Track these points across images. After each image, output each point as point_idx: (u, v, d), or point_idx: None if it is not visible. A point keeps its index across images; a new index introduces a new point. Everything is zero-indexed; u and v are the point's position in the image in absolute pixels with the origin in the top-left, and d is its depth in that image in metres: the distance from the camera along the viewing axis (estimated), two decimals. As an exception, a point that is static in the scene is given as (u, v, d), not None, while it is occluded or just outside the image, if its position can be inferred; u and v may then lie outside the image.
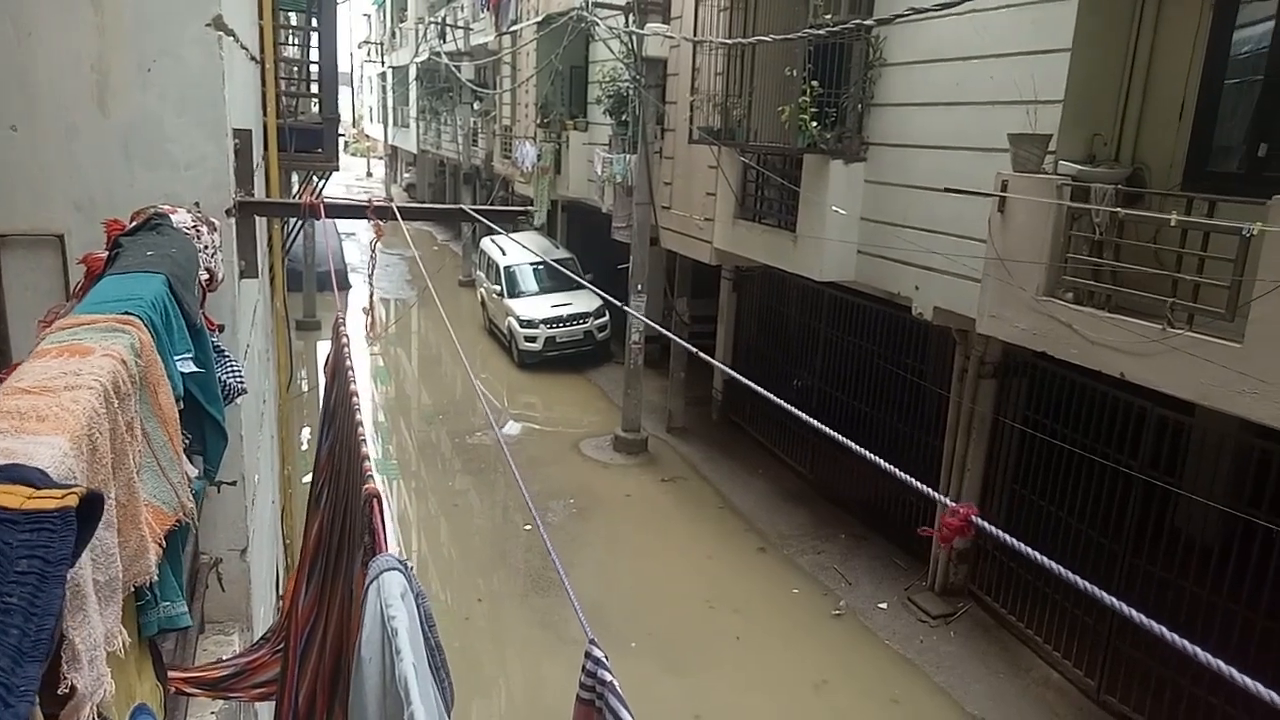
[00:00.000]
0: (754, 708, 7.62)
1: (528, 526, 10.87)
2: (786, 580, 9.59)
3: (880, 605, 8.98)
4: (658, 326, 3.48)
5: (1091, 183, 6.24)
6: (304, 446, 12.63)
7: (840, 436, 2.02)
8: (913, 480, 1.66)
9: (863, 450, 1.82)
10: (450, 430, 14.29)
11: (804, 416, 2.17)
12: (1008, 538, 1.45)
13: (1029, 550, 1.43)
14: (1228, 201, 5.68)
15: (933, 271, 8.09)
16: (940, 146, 8.01)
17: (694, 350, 2.93)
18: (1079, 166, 6.53)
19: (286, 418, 6.92)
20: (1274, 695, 1.02)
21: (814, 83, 8.74)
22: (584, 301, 16.72)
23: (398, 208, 3.81)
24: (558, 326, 16.78)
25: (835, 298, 10.91)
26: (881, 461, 1.69)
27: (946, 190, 7.41)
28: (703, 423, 13.90)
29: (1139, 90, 6.85)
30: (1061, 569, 1.37)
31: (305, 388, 15.11)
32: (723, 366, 2.63)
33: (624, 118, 13.86)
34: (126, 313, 1.43)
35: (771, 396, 2.46)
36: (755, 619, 8.90)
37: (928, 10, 5.71)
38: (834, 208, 8.85)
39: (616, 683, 1.30)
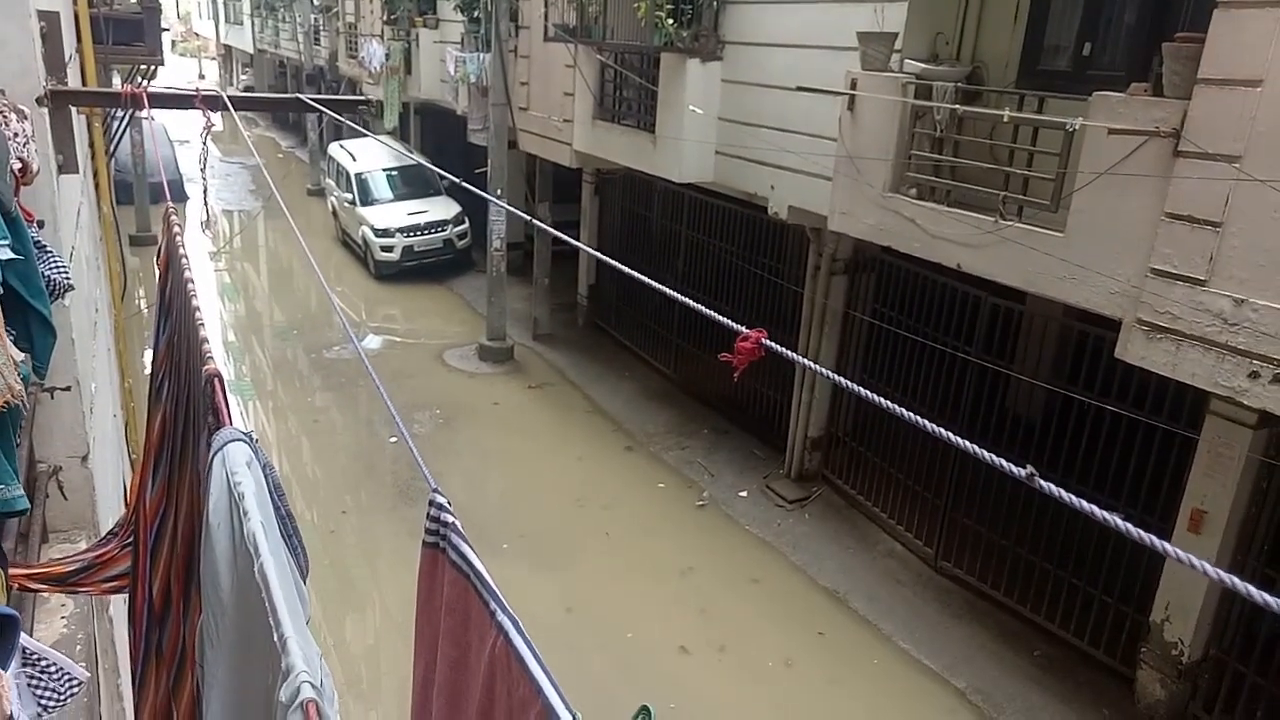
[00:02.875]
0: (622, 596, 7.95)
1: (393, 439, 10.73)
2: (653, 476, 9.91)
3: (741, 494, 9.43)
4: (525, 215, 3.44)
5: (934, 81, 6.49)
6: (146, 369, 11.95)
7: (688, 300, 2.09)
8: (717, 315, 1.77)
9: (691, 301, 1.90)
10: (306, 346, 13.79)
11: (667, 290, 2.24)
12: (795, 355, 1.58)
13: (815, 367, 1.56)
14: (1056, 98, 6.03)
15: (787, 171, 8.27)
16: (794, 45, 8.10)
17: (565, 238, 2.92)
18: (923, 65, 6.76)
19: (123, 330, 6.51)
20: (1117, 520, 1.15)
21: (669, -22, 8.62)
22: (442, 208, 16.25)
23: (229, 97, 3.56)
24: (415, 235, 16.27)
25: (695, 199, 11.02)
26: (685, 299, 1.77)
27: (799, 89, 7.54)
28: (569, 329, 13.93)
29: (979, -9, 7.10)
30: (895, 407, 1.49)
31: (144, 307, 14.17)
32: (598, 254, 2.65)
33: (476, 14, 13.30)
34: (-74, 188, 1.31)
35: (650, 281, 2.51)
36: (623, 514, 9.20)
37: (780, -97, 5.69)
38: (691, 107, 8.87)
39: (459, 523, 1.35)
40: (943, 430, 1.34)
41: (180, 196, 19.79)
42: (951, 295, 7.56)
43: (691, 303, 1.86)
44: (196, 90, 3.27)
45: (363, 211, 16.75)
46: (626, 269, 2.36)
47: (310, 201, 22.44)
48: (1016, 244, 5.88)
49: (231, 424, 1.36)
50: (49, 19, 2.70)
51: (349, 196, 17.31)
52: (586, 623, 7.59)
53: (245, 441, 1.29)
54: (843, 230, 7.51)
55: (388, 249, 16.22)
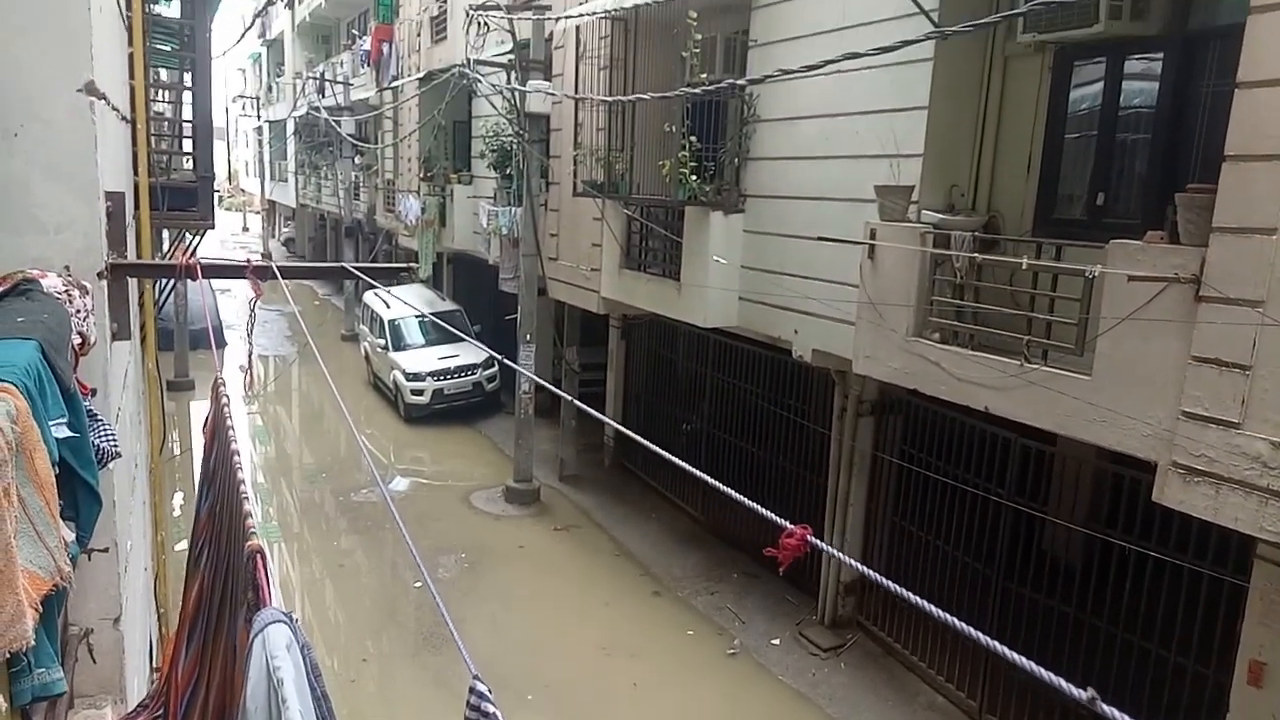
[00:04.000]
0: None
1: (418, 584, 10.59)
2: (682, 622, 9.64)
3: (773, 641, 9.13)
4: (539, 379, 3.53)
5: (951, 230, 6.68)
6: (176, 512, 12.03)
7: (710, 478, 2.12)
8: (760, 508, 1.79)
9: (718, 483, 1.92)
10: (334, 489, 13.84)
11: (684, 464, 2.26)
12: (835, 552, 1.59)
13: (859, 566, 1.57)
14: (1073, 245, 6.18)
15: (810, 316, 8.43)
16: (813, 197, 8.41)
17: (578, 403, 2.98)
18: (940, 215, 6.98)
19: (160, 482, 6.60)
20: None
21: (692, 138, 9.07)
22: (472, 352, 16.57)
23: (278, 267, 3.74)
24: (445, 379, 16.56)
25: (720, 343, 11.19)
26: (731, 490, 1.79)
27: (820, 239, 7.77)
28: (595, 469, 13.91)
29: (991, 144, 7.39)
30: (914, 596, 1.48)
31: (178, 450, 14.37)
32: (605, 418, 2.71)
33: (508, 171, 13.97)
34: (0, 380, 1.39)
35: (654, 447, 2.55)
36: (652, 663, 8.91)
37: (795, 71, 6.04)
38: (715, 257, 9.14)
39: (500, 715, 1.33)
40: (975, 631, 1.32)
41: (220, 342, 20.40)
42: (981, 437, 7.51)
43: (726, 488, 1.88)
44: (248, 261, 3.46)
45: (395, 356, 17.13)
46: (642, 440, 2.39)
47: (344, 346, 23.01)
48: (1043, 387, 5.89)
49: (272, 602, 1.37)
50: (114, 198, 2.90)
51: (382, 341, 17.75)
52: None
53: (286, 623, 1.31)
54: (867, 373, 7.57)
55: (418, 392, 16.48)
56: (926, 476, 8.08)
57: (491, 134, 14.40)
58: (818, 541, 1.53)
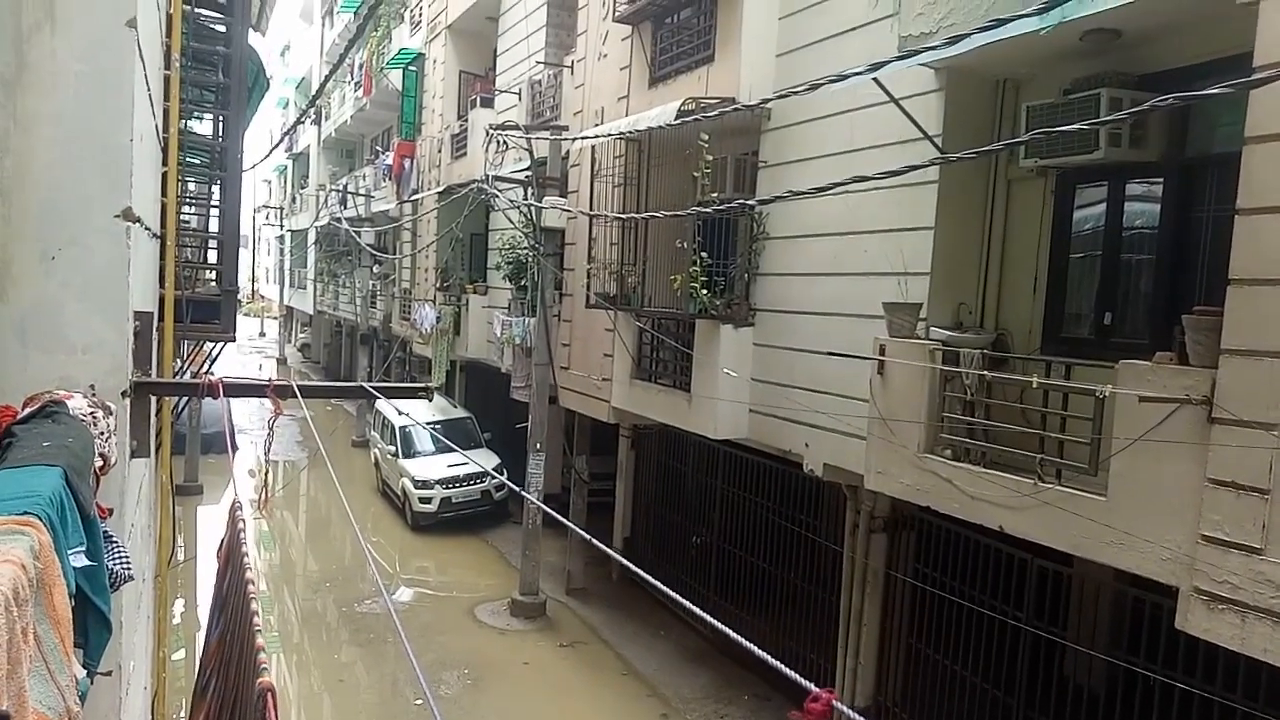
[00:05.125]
0: None
1: (419, 701, 10.27)
2: (692, 749, 9.28)
3: (787, 771, 8.75)
4: (536, 500, 3.51)
5: (960, 347, 6.73)
6: (176, 620, 11.81)
7: (719, 623, 2.10)
8: (782, 665, 1.77)
9: (727, 629, 1.90)
10: (338, 598, 13.59)
11: (678, 596, 2.24)
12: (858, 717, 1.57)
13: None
14: (1082, 364, 6.21)
15: (821, 430, 8.42)
16: (822, 313, 8.52)
17: (571, 524, 2.98)
18: (948, 332, 7.05)
19: (165, 596, 6.51)
20: None
21: (703, 254, 9.28)
22: (482, 460, 16.53)
23: (298, 386, 3.80)
24: (454, 486, 16.47)
25: (731, 455, 11.14)
26: (741, 638, 1.77)
27: (829, 354, 7.84)
28: (603, 583, 13.65)
29: (997, 263, 7.53)
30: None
31: (182, 557, 14.21)
32: (603, 545, 2.70)
33: (523, 282, 14.25)
34: (26, 512, 1.40)
35: (649, 577, 2.54)
36: (661, 794, 8.53)
37: (803, 192, 6.22)
38: (725, 370, 9.21)
39: None
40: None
41: (232, 446, 20.42)
42: (996, 556, 7.37)
43: (734, 634, 1.87)
44: (269, 381, 3.51)
45: (404, 463, 17.10)
46: (635, 568, 2.38)
47: (354, 453, 23.01)
48: (1058, 508, 5.82)
49: None
50: (143, 318, 2.97)
51: (392, 449, 17.75)
52: None
53: None
54: (879, 489, 7.50)
55: (426, 500, 16.38)
56: (942, 597, 7.90)
57: (507, 246, 14.75)
58: (844, 708, 1.52)
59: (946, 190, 7.31)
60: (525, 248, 13.62)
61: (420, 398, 4.28)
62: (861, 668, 8.75)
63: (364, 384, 4.22)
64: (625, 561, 2.97)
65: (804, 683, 1.64)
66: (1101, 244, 6.83)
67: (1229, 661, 5.58)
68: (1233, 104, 5.06)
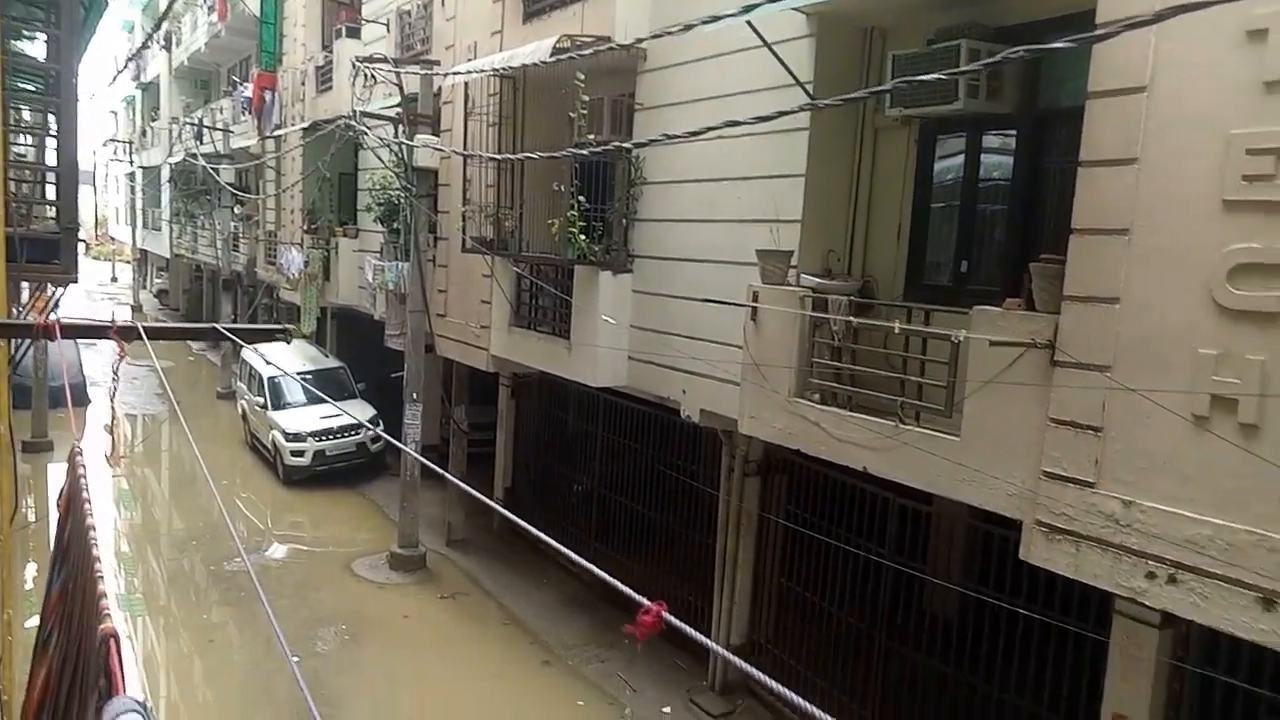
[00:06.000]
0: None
1: (296, 658, 10.02)
2: (573, 692, 9.40)
3: (664, 710, 8.98)
4: (414, 453, 3.40)
5: (828, 294, 6.87)
6: (29, 585, 11.13)
7: (586, 561, 2.07)
8: (612, 580, 1.78)
9: (589, 565, 1.89)
10: (205, 557, 13.05)
11: (549, 539, 2.21)
12: (694, 632, 1.57)
13: (701, 638, 1.62)
14: (941, 311, 6.43)
15: (698, 376, 8.50)
16: (699, 259, 8.54)
17: (450, 476, 2.89)
18: (817, 279, 7.18)
19: (9, 555, 6.07)
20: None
21: (581, 198, 9.13)
22: (356, 411, 16.05)
23: (144, 328, 3.52)
24: (328, 439, 15.96)
25: (611, 403, 11.17)
26: (592, 566, 1.75)
27: (705, 300, 7.88)
28: (484, 534, 13.58)
29: (865, 211, 7.68)
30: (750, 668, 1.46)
31: (32, 518, 13.33)
32: (473, 490, 2.63)
33: (396, 225, 13.75)
34: None
35: (527, 526, 2.50)
36: (541, 737, 8.64)
37: (677, 136, 6.15)
38: (604, 316, 9.16)
39: None
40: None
41: (83, 400, 19.18)
42: (861, 496, 7.66)
43: (594, 568, 1.89)
44: (112, 321, 3.24)
45: (274, 416, 16.44)
46: (536, 528, 2.34)
47: (220, 405, 22.00)
48: (916, 448, 6.05)
49: (126, 690, 1.24)
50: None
51: (260, 400, 17.03)
52: None
53: (139, 713, 1.18)
54: (752, 433, 7.65)
55: (298, 453, 15.83)
56: (811, 537, 8.18)
57: (378, 187, 14.17)
58: (672, 619, 1.58)
59: (817, 138, 7.37)
60: (397, 189, 13.10)
61: (278, 339, 4.07)
62: (736, 607, 9.01)
63: (217, 325, 3.95)
64: (504, 511, 2.91)
65: (637, 597, 1.67)
66: (960, 194, 7.05)
67: (1067, 589, 5.99)
68: (1079, 59, 5.23)
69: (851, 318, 6.65)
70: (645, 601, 1.61)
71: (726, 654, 1.81)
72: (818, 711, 1.52)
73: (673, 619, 1.61)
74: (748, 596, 8.91)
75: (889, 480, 6.63)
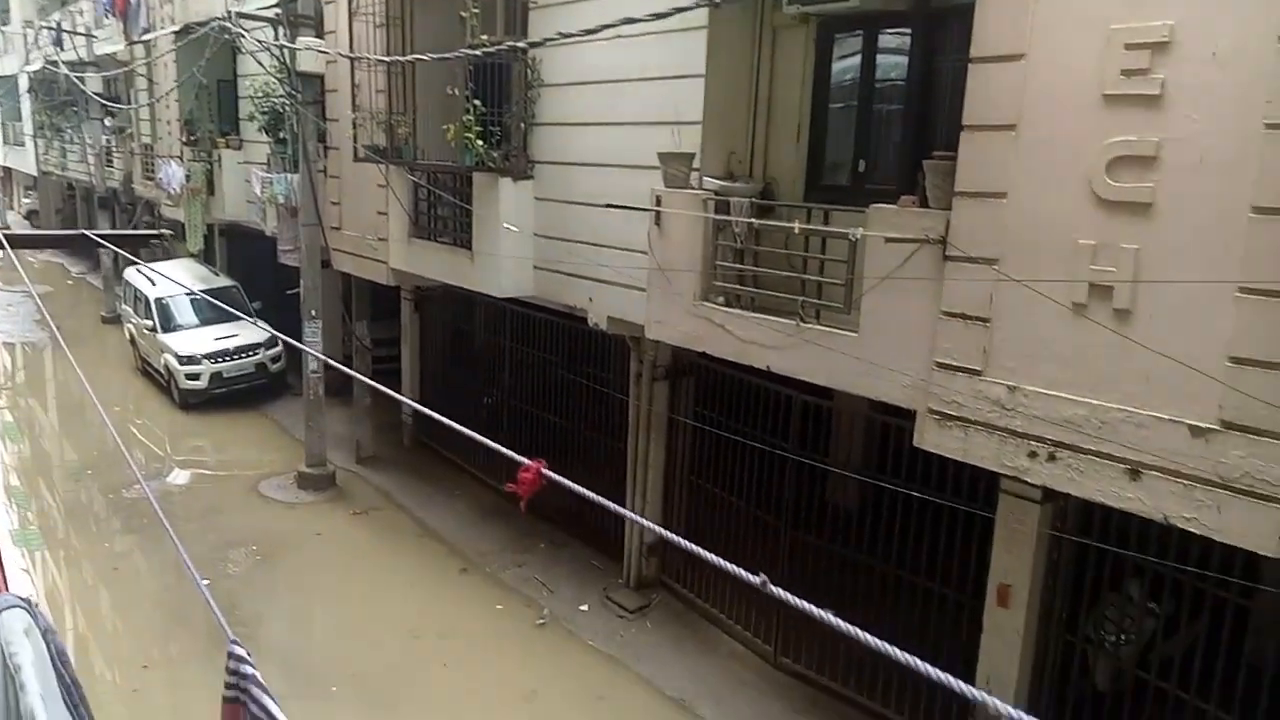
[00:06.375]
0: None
1: (206, 581, 9.87)
2: (490, 597, 9.57)
3: (582, 608, 9.25)
4: (328, 358, 3.33)
5: (730, 197, 6.89)
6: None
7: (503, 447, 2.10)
8: (501, 447, 1.84)
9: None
10: (103, 486, 12.61)
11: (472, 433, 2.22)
12: (573, 485, 1.68)
13: (595, 497, 1.68)
14: (839, 210, 6.54)
15: (604, 283, 8.48)
16: (601, 164, 8.42)
17: (368, 381, 2.84)
18: (720, 182, 7.18)
19: None
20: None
21: (476, 102, 8.83)
22: (253, 331, 15.51)
23: (7, 236, 3.29)
24: (224, 360, 15.42)
25: (518, 313, 11.08)
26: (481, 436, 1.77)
27: (608, 206, 7.81)
28: (394, 449, 13.48)
29: (765, 112, 7.66)
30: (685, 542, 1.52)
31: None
32: (398, 395, 2.60)
33: (282, 135, 13.07)
34: None
35: (446, 420, 2.49)
36: (462, 641, 8.80)
37: (573, 35, 5.98)
38: (506, 224, 9.00)
39: (259, 675, 1.28)
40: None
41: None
42: (766, 395, 7.88)
43: (477, 435, 1.91)
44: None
45: (165, 339, 15.75)
46: (435, 414, 2.33)
47: (105, 330, 20.95)
48: (817, 345, 6.23)
49: (7, 589, 1.21)
50: None
51: (149, 323, 16.27)
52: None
53: (23, 608, 1.15)
54: (659, 338, 7.73)
55: (194, 377, 15.26)
56: (719, 436, 8.40)
57: (261, 95, 13.37)
58: (553, 474, 1.63)
59: (716, 37, 7.27)
60: (281, 96, 12.40)
61: (155, 244, 3.85)
62: (649, 507, 9.24)
63: (86, 232, 3.72)
64: (425, 409, 2.89)
65: (520, 459, 1.74)
66: (857, 94, 7.09)
67: (957, 472, 6.34)
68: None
69: (753, 219, 6.71)
70: (526, 461, 1.66)
71: (644, 522, 1.86)
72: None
73: (552, 474, 1.65)
74: (659, 496, 9.15)
75: (792, 378, 6.83)
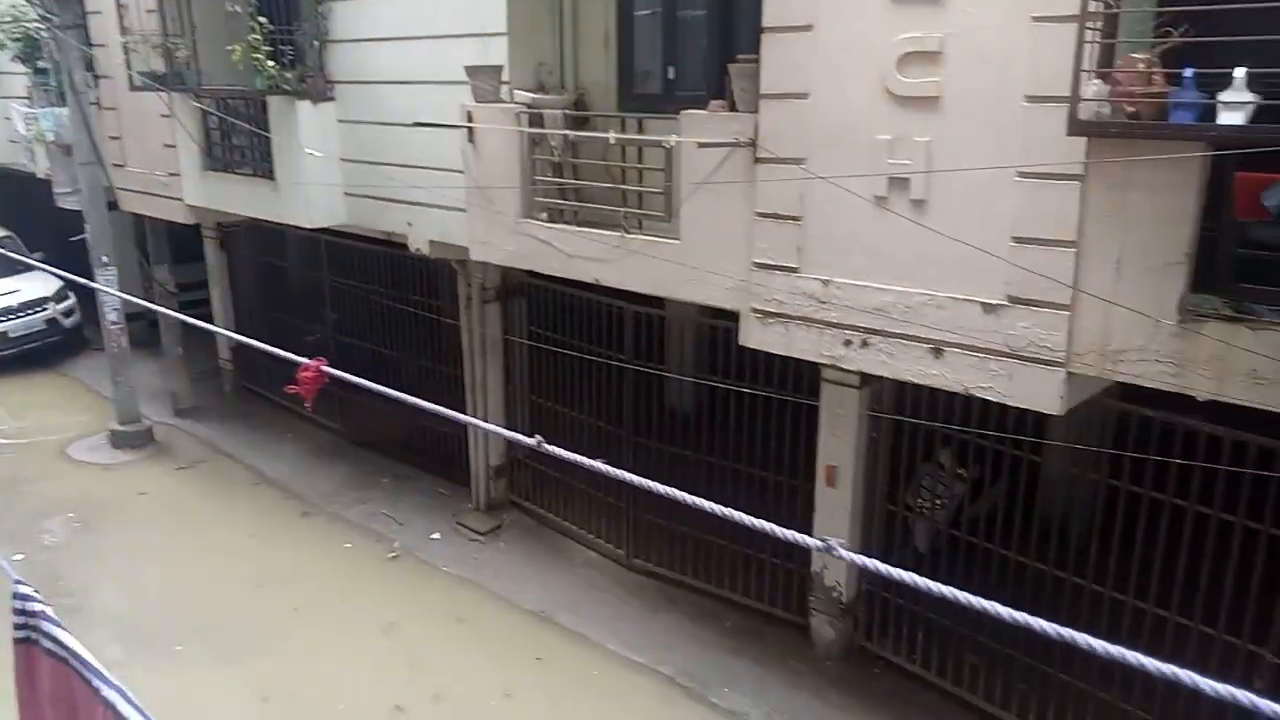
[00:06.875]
0: (324, 670, 7.42)
1: (20, 555, 9.13)
2: (337, 537, 9.36)
3: (433, 536, 9.20)
4: (135, 299, 3.06)
5: (543, 109, 6.74)
6: None
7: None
8: (279, 350, 1.78)
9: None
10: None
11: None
12: (355, 379, 1.70)
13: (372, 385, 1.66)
14: (653, 118, 6.53)
15: (422, 206, 8.18)
16: (407, 82, 8.00)
17: (180, 316, 2.64)
18: (531, 95, 7.00)
19: None
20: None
21: (262, 19, 8.16)
22: (38, 284, 14.09)
23: None
24: (9, 319, 13.96)
25: (334, 244, 10.57)
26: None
27: (417, 125, 7.48)
28: (215, 398, 12.74)
29: (572, 21, 7.48)
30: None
31: None
32: (218, 329, 2.42)
33: (42, 64, 11.68)
34: None
35: (269, 348, 2.35)
36: (311, 585, 8.59)
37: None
38: (309, 150, 8.47)
39: (49, 610, 1.23)
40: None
41: None
42: (598, 309, 7.93)
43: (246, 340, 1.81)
44: None
45: (-68, 300, 14.05)
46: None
47: None
48: (642, 254, 6.29)
49: None
50: None
51: (-90, 285, 14.44)
52: (289, 707, 6.99)
53: None
54: (484, 259, 7.58)
55: (-26, 341, 13.76)
56: (556, 353, 8.42)
57: (9, 19, 11.83)
58: (333, 370, 1.60)
59: (516, -61, 6.98)
60: (34, 20, 11.00)
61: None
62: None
63: None
64: (244, 338, 2.70)
65: (300, 359, 1.69)
66: (661, 1, 7.03)
67: (783, 367, 6.65)
68: None
69: (568, 131, 6.61)
70: (307, 361, 1.61)
71: (479, 423, 1.84)
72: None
73: (334, 370, 1.62)
74: (500, 418, 9.12)
75: (622, 290, 6.88)
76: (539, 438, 1.32)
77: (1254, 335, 4.15)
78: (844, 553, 1.45)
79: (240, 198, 9.78)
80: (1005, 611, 1.48)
